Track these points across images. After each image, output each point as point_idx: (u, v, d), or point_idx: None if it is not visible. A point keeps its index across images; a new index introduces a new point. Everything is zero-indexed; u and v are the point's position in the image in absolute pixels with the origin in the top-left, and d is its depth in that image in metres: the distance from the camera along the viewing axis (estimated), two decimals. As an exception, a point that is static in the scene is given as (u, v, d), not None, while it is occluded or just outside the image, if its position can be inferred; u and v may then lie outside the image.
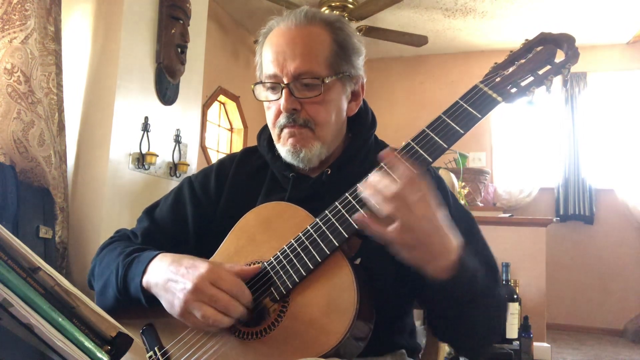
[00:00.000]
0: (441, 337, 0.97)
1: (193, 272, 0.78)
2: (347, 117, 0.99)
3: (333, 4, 4.01)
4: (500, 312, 0.88)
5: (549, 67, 0.79)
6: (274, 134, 0.96)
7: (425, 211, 0.70)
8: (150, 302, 0.85)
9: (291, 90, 0.90)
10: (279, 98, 0.91)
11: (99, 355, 0.59)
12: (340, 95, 0.94)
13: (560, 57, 0.80)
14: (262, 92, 0.96)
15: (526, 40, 0.83)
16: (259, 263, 0.85)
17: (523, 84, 0.79)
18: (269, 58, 0.92)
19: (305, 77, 0.89)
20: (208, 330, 0.80)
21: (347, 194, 0.81)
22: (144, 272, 0.86)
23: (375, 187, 0.72)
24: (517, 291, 2.67)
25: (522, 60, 0.81)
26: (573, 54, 0.78)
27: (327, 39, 0.91)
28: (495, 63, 0.83)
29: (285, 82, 0.90)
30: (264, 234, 0.88)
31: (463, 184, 3.34)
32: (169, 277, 0.81)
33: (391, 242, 0.71)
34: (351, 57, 0.94)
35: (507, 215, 3.36)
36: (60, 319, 0.57)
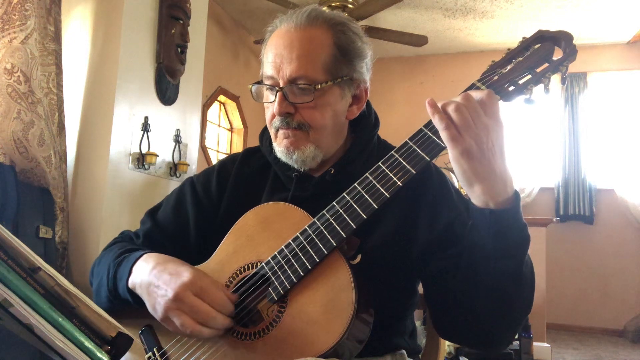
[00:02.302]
0: (465, 317, 0.82)
1: (176, 280, 0.78)
2: (349, 119, 0.98)
3: (333, 4, 4.01)
4: (532, 288, 0.81)
5: (546, 64, 0.79)
6: (271, 133, 0.97)
7: (492, 124, 0.71)
8: (139, 303, 0.85)
9: (285, 95, 0.89)
10: (275, 100, 0.91)
11: (99, 355, 0.59)
12: (337, 100, 0.93)
13: (558, 54, 0.80)
14: (262, 92, 0.96)
15: (524, 38, 0.83)
16: (256, 264, 0.85)
17: (521, 82, 0.79)
18: (268, 59, 0.92)
19: (300, 81, 0.88)
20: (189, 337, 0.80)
21: (344, 194, 0.81)
22: (129, 272, 0.86)
23: (449, 100, 0.73)
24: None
25: (520, 58, 0.81)
26: (571, 51, 0.78)
27: (327, 42, 0.90)
28: (493, 61, 0.83)
29: (281, 85, 0.89)
30: (262, 234, 0.88)
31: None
32: (151, 281, 0.81)
33: (454, 142, 0.71)
34: (353, 60, 0.93)
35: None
36: (60, 319, 0.57)
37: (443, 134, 0.72)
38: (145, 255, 0.87)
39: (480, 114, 0.71)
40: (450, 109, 0.71)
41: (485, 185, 0.73)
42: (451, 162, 0.73)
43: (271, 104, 0.92)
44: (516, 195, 0.75)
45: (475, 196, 0.75)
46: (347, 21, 0.95)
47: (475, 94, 0.73)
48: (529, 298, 0.80)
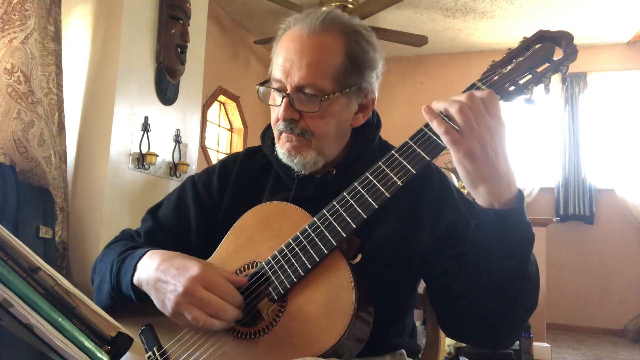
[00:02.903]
0: (471, 316, 0.83)
1: (184, 274, 0.78)
2: (354, 127, 0.97)
3: (333, 4, 4.01)
4: (537, 286, 0.81)
5: (547, 64, 0.79)
6: (275, 134, 0.97)
7: (495, 125, 0.71)
8: (142, 300, 0.85)
9: (291, 101, 0.89)
10: (281, 104, 0.90)
11: (99, 355, 0.59)
12: (343, 109, 0.92)
13: (558, 55, 0.80)
14: (269, 93, 0.95)
15: (524, 38, 0.83)
16: (257, 263, 0.85)
17: (521, 82, 0.79)
18: (278, 61, 0.91)
19: (307, 89, 0.88)
20: (199, 330, 0.81)
21: (344, 193, 0.81)
22: (134, 269, 0.86)
23: (451, 99, 0.73)
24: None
25: (520, 58, 0.81)
26: (571, 52, 0.78)
27: (339, 51, 0.88)
28: (493, 61, 0.83)
29: (288, 91, 0.89)
30: (262, 233, 0.88)
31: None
32: (159, 277, 0.81)
33: (456, 145, 0.71)
34: (363, 71, 0.91)
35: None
36: (60, 319, 0.57)
37: (444, 138, 0.72)
38: (149, 252, 0.87)
39: (484, 114, 0.71)
40: (454, 111, 0.71)
41: (490, 186, 0.73)
42: (455, 164, 0.73)
43: (277, 107, 0.92)
44: (520, 194, 0.76)
45: (480, 197, 0.75)
46: (361, 29, 0.93)
47: (477, 94, 0.73)
48: (534, 296, 0.81)
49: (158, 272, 0.81)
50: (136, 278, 0.85)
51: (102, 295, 0.93)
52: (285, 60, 0.89)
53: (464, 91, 0.78)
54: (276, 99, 0.93)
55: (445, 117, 0.73)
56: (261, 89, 0.95)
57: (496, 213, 0.74)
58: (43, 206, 1.99)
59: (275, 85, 0.92)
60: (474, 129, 0.70)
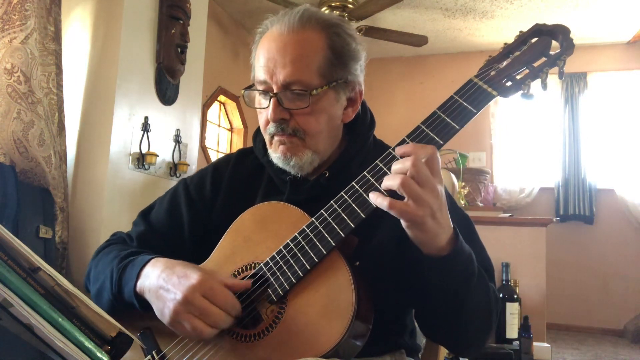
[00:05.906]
0: (432, 334, 0.94)
1: (184, 282, 0.77)
2: (345, 122, 0.97)
3: (333, 4, 4.01)
4: (493, 311, 0.85)
5: (544, 59, 0.78)
6: (266, 139, 0.95)
7: (438, 182, 0.72)
8: (145, 307, 0.84)
9: (279, 100, 0.87)
10: (269, 106, 0.88)
11: (99, 355, 0.59)
12: (332, 104, 0.91)
13: (555, 49, 0.79)
14: (255, 97, 0.93)
15: (520, 32, 0.82)
16: (255, 265, 0.85)
17: (518, 77, 0.78)
18: (260, 63, 0.89)
19: (294, 86, 0.86)
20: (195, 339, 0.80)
21: (342, 193, 0.80)
22: (137, 276, 0.85)
23: (393, 173, 0.74)
24: (517, 291, 2.67)
25: (517, 53, 0.80)
26: (568, 45, 0.78)
27: (320, 45, 0.88)
28: (490, 56, 0.82)
29: (275, 90, 0.87)
30: (259, 234, 0.87)
31: (463, 184, 3.34)
32: (161, 284, 0.80)
33: (405, 215, 0.71)
34: (347, 63, 0.90)
35: (507, 215, 3.35)
36: (60, 319, 0.57)
37: (391, 212, 0.71)
38: (153, 260, 0.86)
39: (430, 179, 0.71)
40: (396, 187, 0.70)
41: (438, 241, 0.75)
42: (405, 228, 0.75)
43: (265, 109, 0.90)
44: (455, 231, 0.77)
45: (426, 249, 0.77)
46: (340, 22, 0.92)
47: (421, 153, 0.71)
48: (483, 321, 0.84)
49: (160, 280, 0.81)
50: (139, 286, 0.85)
51: (101, 302, 0.92)
52: (268, 61, 0.88)
53: (459, 89, 0.79)
54: (262, 102, 0.91)
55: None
56: (246, 92, 0.93)
57: (442, 259, 0.76)
58: (43, 206, 1.99)
59: (260, 87, 0.90)
60: (421, 199, 0.70)
